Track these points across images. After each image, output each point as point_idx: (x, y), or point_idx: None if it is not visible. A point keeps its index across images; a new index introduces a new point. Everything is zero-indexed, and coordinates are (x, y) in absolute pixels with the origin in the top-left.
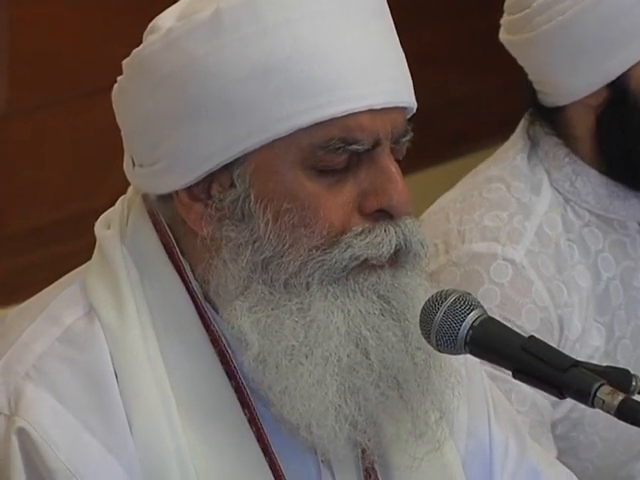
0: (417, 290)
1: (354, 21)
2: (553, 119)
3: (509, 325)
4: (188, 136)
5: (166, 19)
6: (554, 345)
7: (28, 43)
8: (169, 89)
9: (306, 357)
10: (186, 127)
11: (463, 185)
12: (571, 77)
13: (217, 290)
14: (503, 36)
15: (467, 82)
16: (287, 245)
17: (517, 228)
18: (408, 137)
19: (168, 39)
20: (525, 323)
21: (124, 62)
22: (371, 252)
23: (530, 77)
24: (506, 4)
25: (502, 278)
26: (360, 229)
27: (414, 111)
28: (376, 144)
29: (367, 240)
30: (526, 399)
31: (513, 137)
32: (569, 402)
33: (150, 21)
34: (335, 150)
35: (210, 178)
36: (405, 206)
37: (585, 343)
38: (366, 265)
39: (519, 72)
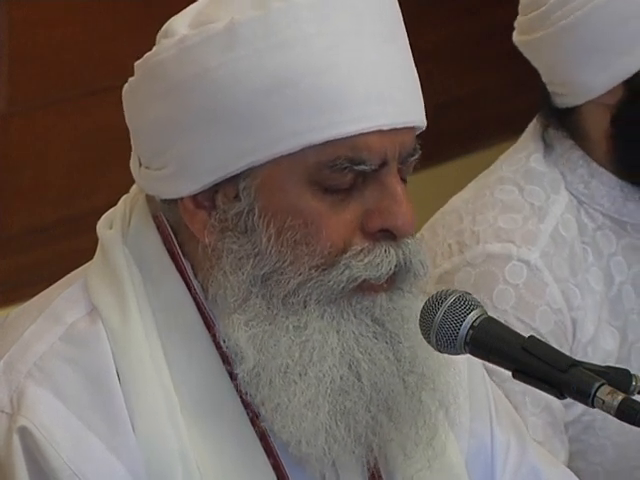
0: (414, 311)
1: (369, 40)
2: (567, 121)
3: (524, 327)
4: (196, 145)
5: (180, 24)
6: (567, 348)
7: (28, 43)
8: (180, 97)
9: (300, 376)
10: (195, 136)
11: (475, 185)
12: (587, 74)
13: (215, 299)
14: (517, 37)
15: (468, 81)
16: (287, 262)
17: (532, 230)
18: (416, 156)
19: (181, 47)
20: (539, 325)
21: (136, 63)
22: (369, 273)
23: (544, 78)
24: (521, 5)
25: (517, 279)
26: (359, 248)
27: (424, 128)
28: (383, 164)
29: (366, 261)
30: (540, 401)
31: (523, 139)
32: (581, 405)
33: (151, 21)
34: (341, 170)
35: (215, 188)
36: (409, 228)
37: (597, 347)
38: (363, 286)
39: (522, 71)
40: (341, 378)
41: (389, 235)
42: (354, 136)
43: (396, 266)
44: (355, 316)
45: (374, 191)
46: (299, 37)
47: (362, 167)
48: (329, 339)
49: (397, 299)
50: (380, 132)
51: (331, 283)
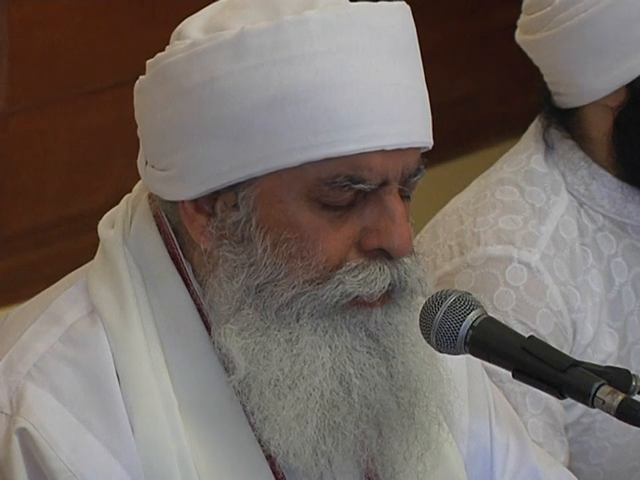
0: (410, 326)
1: (380, 58)
2: (568, 121)
3: (524, 328)
4: (198, 152)
5: (194, 27)
6: (567, 350)
7: (28, 43)
8: (186, 103)
9: (290, 389)
10: (197, 143)
11: (475, 186)
12: (590, 76)
13: (210, 305)
14: (520, 37)
15: (469, 81)
16: (282, 274)
17: (532, 232)
18: (419, 176)
19: (191, 52)
20: (539, 327)
21: (148, 62)
22: (363, 290)
23: (546, 78)
24: (525, 4)
25: (517, 281)
26: (354, 264)
27: (430, 147)
28: (383, 184)
29: (360, 277)
30: (540, 402)
31: (524, 139)
32: (581, 407)
33: (150, 22)
34: (341, 187)
35: (215, 195)
36: (405, 249)
37: (597, 348)
38: (357, 301)
39: (522, 71)
40: (331, 393)
41: (385, 254)
42: (356, 155)
43: (390, 284)
44: (349, 330)
45: (373, 210)
46: (308, 53)
47: (361, 186)
48: (320, 353)
49: (393, 314)
50: (383, 152)
51: (324, 297)
